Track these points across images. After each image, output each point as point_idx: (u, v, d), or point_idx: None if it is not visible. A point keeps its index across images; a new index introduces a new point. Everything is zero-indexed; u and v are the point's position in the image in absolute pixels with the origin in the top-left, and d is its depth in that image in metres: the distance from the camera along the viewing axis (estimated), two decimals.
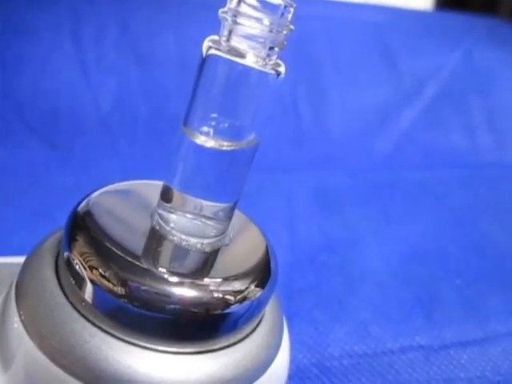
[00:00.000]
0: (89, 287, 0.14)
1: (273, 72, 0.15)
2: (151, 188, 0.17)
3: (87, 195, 0.17)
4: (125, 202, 0.17)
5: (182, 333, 0.14)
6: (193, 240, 0.16)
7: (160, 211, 0.16)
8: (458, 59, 0.53)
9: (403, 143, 0.48)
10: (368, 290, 0.29)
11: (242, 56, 0.14)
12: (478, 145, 0.50)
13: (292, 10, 0.14)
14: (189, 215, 0.16)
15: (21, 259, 0.17)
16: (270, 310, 0.17)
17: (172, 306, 0.14)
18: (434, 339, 0.26)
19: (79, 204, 0.16)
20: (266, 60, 0.14)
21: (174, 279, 0.14)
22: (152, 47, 0.47)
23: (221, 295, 0.14)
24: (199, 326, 0.15)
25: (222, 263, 0.16)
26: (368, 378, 0.24)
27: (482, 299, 0.29)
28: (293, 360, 0.24)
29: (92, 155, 0.42)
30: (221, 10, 0.14)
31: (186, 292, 0.14)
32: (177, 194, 0.16)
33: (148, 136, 0.44)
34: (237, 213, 0.18)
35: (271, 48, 0.14)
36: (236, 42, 0.14)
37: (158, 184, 0.17)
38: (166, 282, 0.14)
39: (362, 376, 0.24)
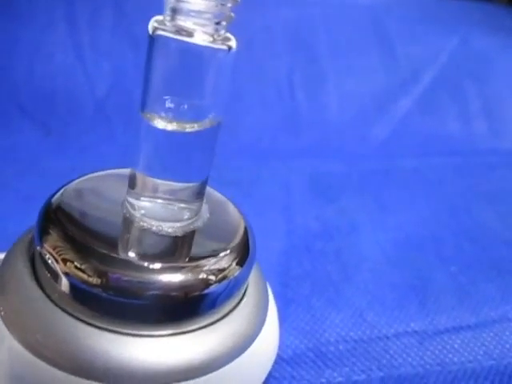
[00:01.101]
0: (64, 280, 0.14)
1: (224, 47, 0.14)
2: (123, 177, 0.17)
3: (57, 190, 0.17)
4: (96, 193, 0.17)
5: (162, 317, 0.15)
6: (164, 225, 0.16)
7: (129, 199, 0.16)
8: (455, 45, 0.52)
9: (399, 130, 0.48)
10: (363, 277, 0.30)
11: (190, 34, 0.14)
12: (473, 132, 0.50)
13: None
14: (158, 200, 0.16)
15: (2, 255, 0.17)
16: (252, 288, 0.17)
17: (148, 292, 0.14)
18: (427, 325, 0.27)
19: (50, 198, 0.16)
20: (215, 36, 0.14)
21: (147, 265, 0.14)
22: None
23: (197, 277, 0.15)
24: (179, 309, 0.15)
25: (199, 245, 0.16)
26: (363, 362, 0.24)
27: (474, 286, 0.30)
28: (289, 345, 0.25)
29: (87, 139, 0.42)
30: None
31: (161, 277, 0.14)
32: (144, 180, 0.16)
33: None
34: (214, 194, 0.18)
35: (218, 23, 0.14)
36: (181, 21, 0.14)
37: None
38: (140, 268, 0.14)
39: (357, 361, 0.24)
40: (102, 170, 0.19)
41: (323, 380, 0.23)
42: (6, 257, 0.17)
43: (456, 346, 0.26)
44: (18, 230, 0.30)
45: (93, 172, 0.18)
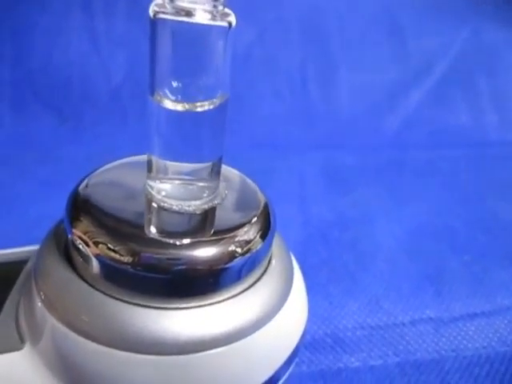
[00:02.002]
0: (96, 262, 0.15)
1: (224, 24, 0.14)
2: (144, 162, 0.17)
3: (82, 179, 0.17)
4: (119, 180, 0.18)
5: (191, 290, 0.15)
6: (184, 203, 0.16)
7: (149, 182, 0.17)
8: (466, 38, 0.53)
9: (411, 122, 0.48)
10: (379, 266, 0.30)
11: (189, 14, 0.14)
12: (484, 124, 0.50)
13: None
14: (176, 181, 0.16)
15: None
16: (276, 258, 0.18)
17: (177, 268, 0.15)
18: (443, 312, 0.27)
19: (76, 188, 0.17)
20: (214, 12, 0.14)
21: (174, 242, 0.15)
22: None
23: (222, 250, 0.15)
24: (206, 282, 0.15)
25: (220, 220, 0.16)
26: (380, 348, 0.25)
27: (488, 274, 0.30)
28: (308, 331, 0.25)
29: (102, 127, 0.43)
30: None
31: (188, 253, 0.15)
32: (160, 163, 0.16)
33: None
34: (230, 170, 0.19)
35: None
36: (180, 2, 0.14)
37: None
38: (167, 245, 0.15)
39: (374, 346, 0.25)
40: (122, 157, 0.19)
41: (341, 365, 0.24)
42: (41, 246, 0.17)
43: (470, 332, 0.26)
44: (39, 215, 0.31)
45: (114, 160, 0.19)
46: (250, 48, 0.47)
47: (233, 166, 0.19)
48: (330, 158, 0.42)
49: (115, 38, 0.45)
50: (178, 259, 0.15)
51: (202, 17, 0.14)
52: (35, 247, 0.19)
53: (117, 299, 0.15)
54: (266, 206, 0.17)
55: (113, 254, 0.15)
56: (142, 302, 0.15)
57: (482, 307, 0.28)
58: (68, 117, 0.43)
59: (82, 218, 0.16)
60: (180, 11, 0.14)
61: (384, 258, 0.31)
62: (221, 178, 0.17)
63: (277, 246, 0.18)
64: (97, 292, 0.15)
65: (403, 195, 0.38)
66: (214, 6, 0.14)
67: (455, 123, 0.50)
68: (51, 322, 0.15)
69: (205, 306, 0.15)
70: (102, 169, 0.18)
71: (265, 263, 0.17)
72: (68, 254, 0.16)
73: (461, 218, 0.36)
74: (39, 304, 0.16)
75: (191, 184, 0.17)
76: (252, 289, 0.16)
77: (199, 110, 0.15)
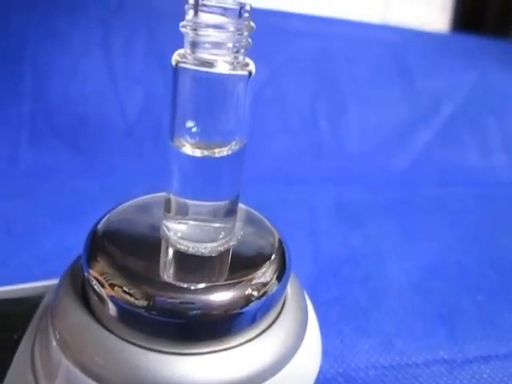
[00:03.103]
0: (111, 304, 0.15)
1: (244, 73, 0.15)
2: (161, 202, 0.18)
3: (100, 218, 0.17)
4: (136, 219, 0.18)
5: (205, 335, 0.15)
6: (200, 246, 0.16)
7: (166, 223, 0.17)
8: (474, 80, 0.54)
9: (420, 161, 0.49)
10: (391, 304, 0.30)
11: (211, 65, 0.14)
12: (493, 164, 0.51)
13: (248, 8, 0.14)
14: (193, 222, 0.17)
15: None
16: (291, 300, 0.17)
17: (192, 313, 0.15)
18: (456, 354, 0.27)
19: (95, 226, 0.17)
20: (235, 63, 0.15)
21: (189, 286, 0.15)
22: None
23: (238, 294, 0.15)
24: (221, 327, 0.15)
25: (236, 263, 0.16)
26: None
27: (502, 315, 0.30)
28: (320, 370, 0.25)
29: (116, 161, 0.43)
30: (181, 24, 0.14)
31: (203, 298, 0.15)
32: (178, 204, 0.16)
33: None
34: (245, 210, 0.19)
35: (237, 51, 0.15)
36: (201, 53, 0.14)
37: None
38: (182, 290, 0.15)
39: None
40: (140, 195, 0.19)
41: None
42: (58, 284, 0.17)
43: (485, 375, 0.26)
44: (54, 247, 0.31)
45: (132, 199, 0.19)
46: (262, 86, 0.48)
47: (245, 201, 0.19)
48: (341, 194, 0.42)
49: (132, 76, 0.46)
50: (193, 304, 0.15)
51: (222, 67, 0.14)
52: (51, 282, 0.19)
53: (131, 343, 0.15)
54: (280, 248, 0.17)
55: (127, 297, 0.15)
56: (156, 347, 0.15)
57: (497, 350, 0.27)
58: (83, 150, 0.44)
59: (99, 259, 0.16)
60: (201, 62, 0.14)
61: (395, 295, 0.31)
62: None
63: (291, 285, 0.18)
64: (112, 335, 0.15)
65: (414, 232, 0.38)
66: (235, 57, 0.15)
67: (464, 163, 0.50)
68: (65, 364, 0.15)
69: (220, 351, 0.15)
70: (119, 208, 0.18)
71: (280, 304, 0.17)
72: (84, 292, 0.16)
73: (472, 257, 0.36)
74: (54, 343, 0.16)
75: (207, 225, 0.17)
76: (268, 332, 0.16)
77: (217, 155, 0.15)
